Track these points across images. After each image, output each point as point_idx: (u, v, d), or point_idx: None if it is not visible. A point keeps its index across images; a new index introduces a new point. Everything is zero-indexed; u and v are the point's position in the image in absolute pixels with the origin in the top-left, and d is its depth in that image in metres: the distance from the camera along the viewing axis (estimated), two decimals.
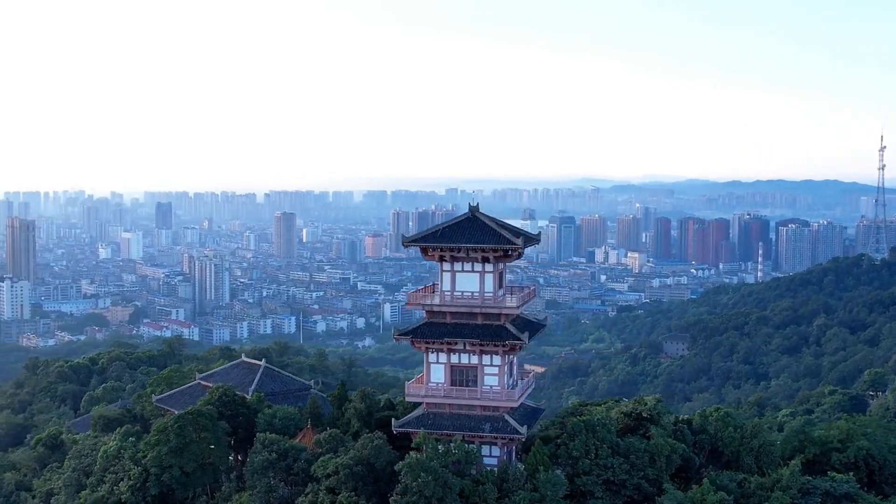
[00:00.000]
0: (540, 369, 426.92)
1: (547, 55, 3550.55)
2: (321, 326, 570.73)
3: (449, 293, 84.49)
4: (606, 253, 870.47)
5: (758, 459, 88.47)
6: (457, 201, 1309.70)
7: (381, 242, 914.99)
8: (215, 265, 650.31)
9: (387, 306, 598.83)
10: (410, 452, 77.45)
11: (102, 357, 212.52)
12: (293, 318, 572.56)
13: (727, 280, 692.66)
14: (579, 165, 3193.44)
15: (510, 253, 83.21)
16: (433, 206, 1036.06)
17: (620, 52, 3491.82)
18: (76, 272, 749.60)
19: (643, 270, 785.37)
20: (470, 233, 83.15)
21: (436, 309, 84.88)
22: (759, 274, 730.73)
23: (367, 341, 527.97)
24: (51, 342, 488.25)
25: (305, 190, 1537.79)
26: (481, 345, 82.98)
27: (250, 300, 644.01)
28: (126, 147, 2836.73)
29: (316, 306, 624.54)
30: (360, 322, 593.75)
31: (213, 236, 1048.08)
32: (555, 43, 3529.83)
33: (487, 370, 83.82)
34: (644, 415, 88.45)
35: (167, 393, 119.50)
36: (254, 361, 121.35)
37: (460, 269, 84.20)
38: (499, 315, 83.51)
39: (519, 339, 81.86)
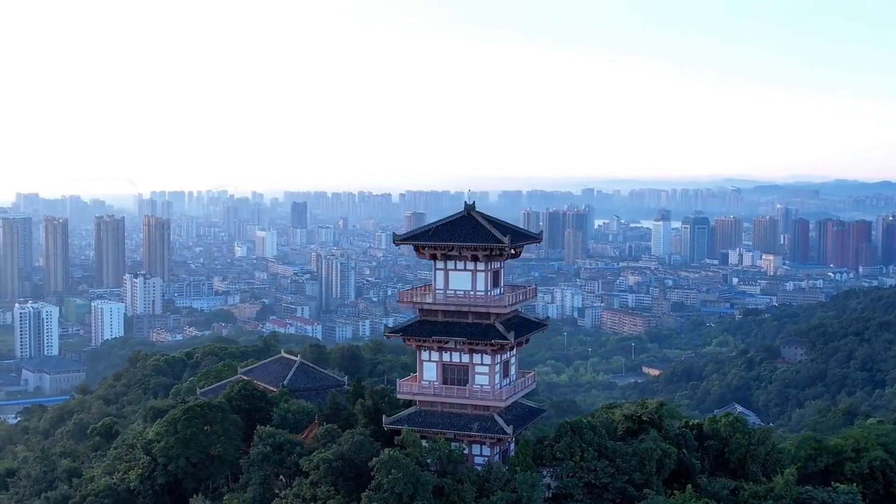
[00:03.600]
0: (655, 372, 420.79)
1: (694, 56, 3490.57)
2: None
3: (442, 292, 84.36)
4: (741, 255, 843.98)
5: (764, 467, 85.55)
6: (592, 202, 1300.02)
7: None
8: (341, 264, 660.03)
9: None
10: (385, 449, 77.66)
11: (197, 352, 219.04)
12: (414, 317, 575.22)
13: (866, 284, 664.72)
14: (721, 166, 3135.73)
15: (501, 252, 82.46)
16: (565, 207, 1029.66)
17: (773, 54, 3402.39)
18: (211, 269, 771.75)
19: (777, 273, 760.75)
20: (462, 231, 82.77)
21: (428, 307, 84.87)
22: None
23: None
24: (178, 337, 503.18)
25: (441, 190, 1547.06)
26: (471, 344, 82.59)
27: (374, 298, 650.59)
28: (270, 148, 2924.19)
29: None
30: None
31: (347, 235, 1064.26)
32: (697, 45, 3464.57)
33: (478, 369, 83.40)
34: (645, 418, 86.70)
35: (212, 386, 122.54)
36: (292, 357, 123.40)
37: (453, 267, 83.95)
38: (489, 314, 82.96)
39: (506, 338, 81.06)
